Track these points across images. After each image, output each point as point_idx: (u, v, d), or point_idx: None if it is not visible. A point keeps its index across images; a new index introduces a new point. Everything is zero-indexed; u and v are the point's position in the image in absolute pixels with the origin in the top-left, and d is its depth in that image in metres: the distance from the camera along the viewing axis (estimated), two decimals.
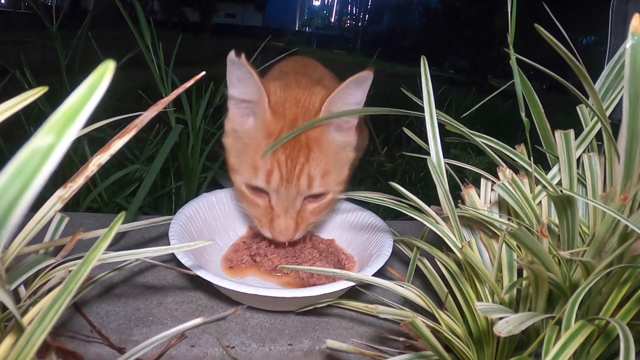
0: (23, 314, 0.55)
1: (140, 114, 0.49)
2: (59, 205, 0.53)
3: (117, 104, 1.99)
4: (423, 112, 0.80)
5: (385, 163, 2.14)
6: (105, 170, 1.65)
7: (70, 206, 1.52)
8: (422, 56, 0.79)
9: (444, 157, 0.79)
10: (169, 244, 0.87)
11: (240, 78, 0.87)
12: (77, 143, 1.68)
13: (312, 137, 0.89)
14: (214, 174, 1.65)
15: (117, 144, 0.48)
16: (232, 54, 0.83)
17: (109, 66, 0.25)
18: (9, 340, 0.43)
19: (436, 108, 0.79)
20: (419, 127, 0.91)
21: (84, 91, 0.24)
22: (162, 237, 1.13)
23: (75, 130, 0.23)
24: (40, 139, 0.22)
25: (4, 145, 1.64)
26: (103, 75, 0.25)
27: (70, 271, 0.62)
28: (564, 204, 0.61)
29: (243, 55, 0.83)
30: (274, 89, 0.93)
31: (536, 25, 0.59)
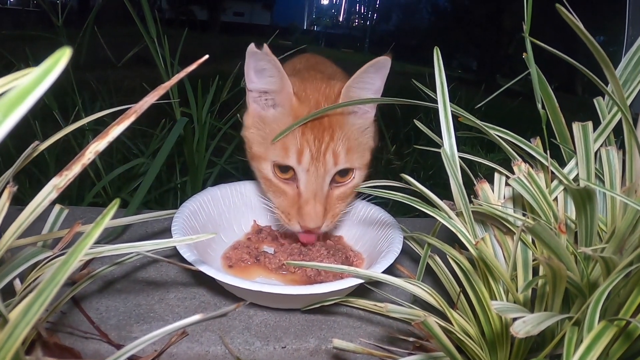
0: (15, 307, 0.53)
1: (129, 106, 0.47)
2: (54, 194, 0.51)
3: (122, 99, 1.98)
4: (435, 105, 0.77)
5: (394, 160, 2.12)
6: (110, 165, 1.64)
7: (75, 201, 1.51)
8: (436, 47, 0.78)
9: None
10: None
11: (261, 69, 0.90)
12: (83, 139, 1.67)
13: (334, 119, 0.92)
14: (220, 169, 1.64)
15: (115, 130, 0.46)
16: (252, 46, 0.86)
17: (65, 52, 0.26)
18: None
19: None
20: (428, 124, 0.89)
21: (38, 75, 0.24)
22: (166, 231, 1.11)
23: (21, 113, 0.25)
24: None
25: (10, 141, 1.62)
26: (58, 60, 0.25)
27: None
28: (583, 199, 0.58)
29: (265, 45, 0.85)
30: (292, 80, 0.94)
31: (557, 5, 0.56)
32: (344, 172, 0.95)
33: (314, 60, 1.20)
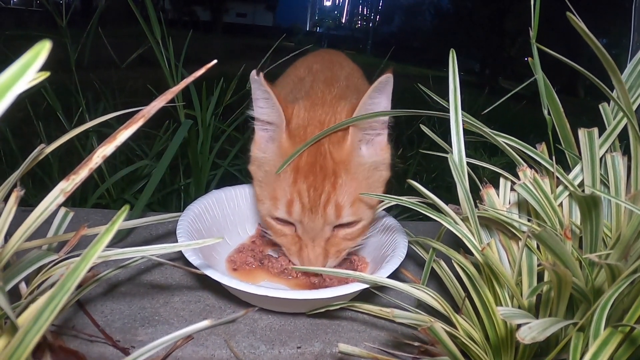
0: (22, 311, 0.53)
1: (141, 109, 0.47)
2: (61, 199, 0.51)
3: (126, 100, 1.98)
4: (438, 112, 0.77)
5: (397, 164, 2.11)
6: (113, 166, 1.65)
7: (78, 202, 1.51)
8: (452, 49, 0.76)
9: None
10: (177, 242, 0.85)
11: (260, 98, 0.84)
12: (86, 140, 1.67)
13: (339, 161, 0.85)
14: (224, 171, 1.64)
15: (122, 134, 0.46)
16: (253, 73, 0.80)
17: (45, 45, 0.25)
18: (2, 341, 0.40)
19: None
20: (431, 128, 0.89)
21: (16, 70, 0.24)
22: (170, 235, 1.11)
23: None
24: None
25: (14, 141, 1.63)
26: (38, 54, 0.24)
27: None
28: (589, 206, 0.58)
29: (261, 75, 0.80)
30: (298, 110, 0.89)
31: (569, 14, 0.56)
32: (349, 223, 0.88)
33: (328, 59, 1.14)
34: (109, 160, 1.67)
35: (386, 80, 0.81)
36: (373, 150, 0.89)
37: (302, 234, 0.88)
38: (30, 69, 0.25)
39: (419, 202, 0.77)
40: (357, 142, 0.87)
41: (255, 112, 0.87)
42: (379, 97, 0.83)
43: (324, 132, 0.83)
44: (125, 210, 0.38)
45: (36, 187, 1.62)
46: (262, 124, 0.89)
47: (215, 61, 0.50)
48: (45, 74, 0.38)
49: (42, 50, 0.25)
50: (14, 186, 0.59)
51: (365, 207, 0.87)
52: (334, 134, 0.86)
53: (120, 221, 0.37)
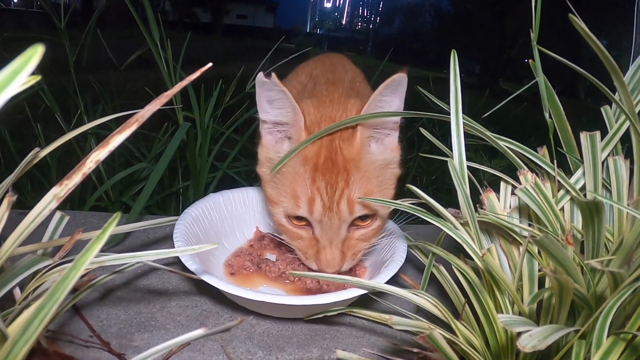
0: (16, 317, 0.53)
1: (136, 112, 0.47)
2: (54, 204, 0.50)
3: (124, 102, 1.98)
4: (440, 114, 0.76)
5: None
6: (112, 168, 1.64)
7: (77, 204, 1.51)
8: (453, 50, 0.75)
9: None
10: (174, 246, 0.84)
11: (273, 99, 0.83)
12: (85, 142, 1.66)
13: (349, 159, 0.84)
14: (223, 174, 1.63)
15: (116, 139, 0.45)
16: (260, 75, 0.78)
17: (37, 50, 0.23)
18: None
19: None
20: (430, 130, 0.88)
21: (7, 75, 0.23)
22: (168, 238, 1.10)
23: None
24: None
25: (12, 143, 1.62)
26: (29, 59, 0.23)
27: None
28: (591, 211, 0.57)
29: (274, 75, 0.78)
30: (307, 108, 0.87)
31: (570, 16, 0.55)
32: (364, 217, 0.87)
33: (329, 63, 1.12)
34: (108, 163, 1.66)
35: (399, 79, 0.79)
36: (383, 148, 0.89)
37: (320, 236, 0.87)
38: (21, 74, 0.24)
39: (417, 205, 0.76)
40: (365, 139, 0.86)
41: (267, 114, 0.86)
42: (391, 97, 0.81)
43: (333, 127, 0.82)
44: (116, 217, 0.37)
45: (35, 189, 1.62)
46: (274, 126, 0.87)
47: (210, 64, 0.49)
48: (36, 78, 0.37)
49: (33, 55, 0.24)
50: (7, 192, 0.59)
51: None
52: (344, 131, 0.85)
53: (111, 228, 0.36)
